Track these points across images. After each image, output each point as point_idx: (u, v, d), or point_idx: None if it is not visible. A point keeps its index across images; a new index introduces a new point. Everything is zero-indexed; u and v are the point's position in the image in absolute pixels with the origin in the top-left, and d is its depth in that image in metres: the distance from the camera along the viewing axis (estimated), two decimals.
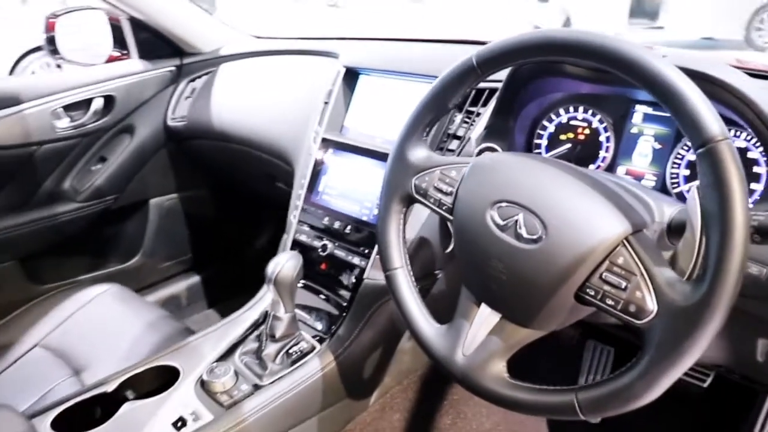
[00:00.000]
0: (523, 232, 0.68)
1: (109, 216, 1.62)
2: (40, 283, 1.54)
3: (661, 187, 0.92)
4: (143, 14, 1.49)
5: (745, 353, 0.82)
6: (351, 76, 1.23)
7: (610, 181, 0.73)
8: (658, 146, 0.93)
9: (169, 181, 1.70)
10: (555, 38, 0.67)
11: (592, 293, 0.64)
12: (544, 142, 1.03)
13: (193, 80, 1.61)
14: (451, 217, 0.77)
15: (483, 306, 0.74)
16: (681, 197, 0.89)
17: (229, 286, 1.81)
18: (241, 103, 1.49)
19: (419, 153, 0.82)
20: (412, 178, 0.82)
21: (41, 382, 1.16)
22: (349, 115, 1.23)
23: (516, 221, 0.69)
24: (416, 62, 1.15)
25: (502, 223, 0.70)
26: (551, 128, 1.03)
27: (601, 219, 0.64)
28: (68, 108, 1.47)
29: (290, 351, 1.03)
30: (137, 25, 1.52)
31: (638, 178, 0.94)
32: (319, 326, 1.11)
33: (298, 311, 1.12)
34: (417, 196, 0.81)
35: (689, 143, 0.88)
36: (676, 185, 0.91)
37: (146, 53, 1.57)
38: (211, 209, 1.83)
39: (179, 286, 1.80)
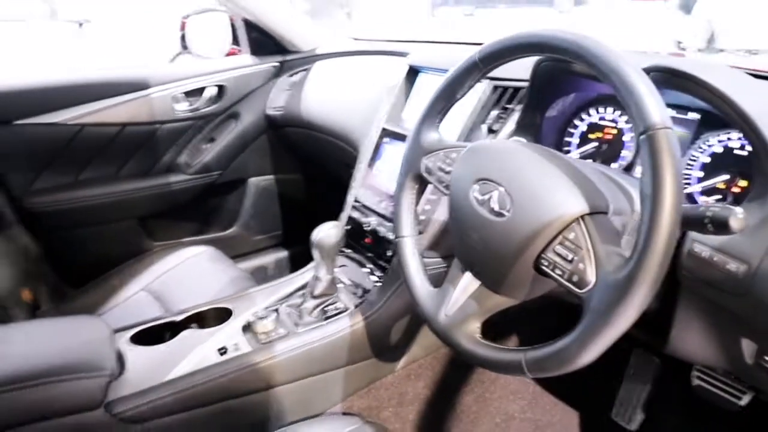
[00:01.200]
0: (495, 206, 0.77)
1: (213, 189, 1.87)
2: (153, 240, 1.83)
3: None
4: (255, 17, 1.72)
5: (734, 354, 0.84)
6: (413, 73, 1.36)
7: (591, 168, 0.80)
8: None
9: (267, 163, 1.93)
10: (535, 37, 0.76)
11: (546, 264, 0.72)
12: (575, 140, 1.10)
13: (291, 75, 1.82)
14: (447, 193, 0.88)
15: (467, 273, 0.84)
16: (691, 199, 0.92)
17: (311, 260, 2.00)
18: (325, 96, 1.68)
19: (431, 137, 0.93)
20: (423, 158, 0.93)
21: (137, 318, 1.40)
22: (407, 109, 1.36)
23: (491, 197, 0.78)
24: None
25: (480, 198, 0.79)
26: (583, 127, 1.09)
27: (563, 198, 0.72)
28: (187, 94, 1.74)
29: (326, 308, 1.17)
30: (249, 25, 1.76)
31: None
32: (358, 292, 1.24)
33: (341, 277, 1.27)
34: (425, 174, 0.93)
35: (703, 145, 0.92)
36: (686, 185, 0.94)
37: (255, 50, 1.81)
38: (302, 192, 2.04)
39: (268, 258, 2.02)
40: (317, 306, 1.17)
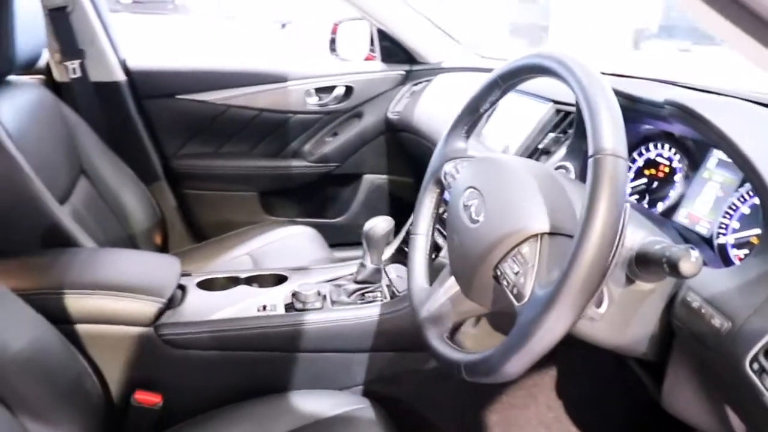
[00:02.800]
0: (473, 213, 0.81)
1: (329, 179, 2.05)
2: (267, 214, 2.06)
3: (710, 236, 0.90)
4: (387, 27, 1.87)
5: (725, 426, 0.79)
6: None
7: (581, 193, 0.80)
8: (720, 194, 0.91)
9: (382, 163, 2.06)
10: (530, 59, 0.80)
11: (499, 273, 0.75)
12: (630, 174, 1.07)
13: (416, 84, 1.94)
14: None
15: (452, 276, 0.89)
16: (723, 250, 0.87)
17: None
18: (439, 107, 1.76)
19: (456, 145, 0.99)
20: (445, 163, 0.99)
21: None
22: (489, 124, 1.40)
23: (472, 204, 0.82)
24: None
25: (465, 204, 0.84)
26: (639, 162, 1.06)
27: (529, 213, 0.75)
28: (318, 90, 1.95)
29: (365, 294, 1.27)
30: (383, 34, 1.91)
31: (694, 223, 0.93)
32: (401, 287, 1.32)
33: (391, 270, 1.35)
34: (442, 178, 0.98)
35: (746, 195, 0.87)
36: (721, 235, 0.88)
37: (386, 57, 1.96)
38: (412, 195, 2.13)
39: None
40: (357, 290, 1.27)
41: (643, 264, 0.70)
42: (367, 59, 2.04)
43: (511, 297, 0.72)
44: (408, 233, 1.06)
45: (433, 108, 1.79)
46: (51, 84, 1.75)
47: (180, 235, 1.96)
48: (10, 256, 1.22)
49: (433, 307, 0.90)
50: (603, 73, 1.21)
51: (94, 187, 1.62)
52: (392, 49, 1.93)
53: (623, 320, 0.75)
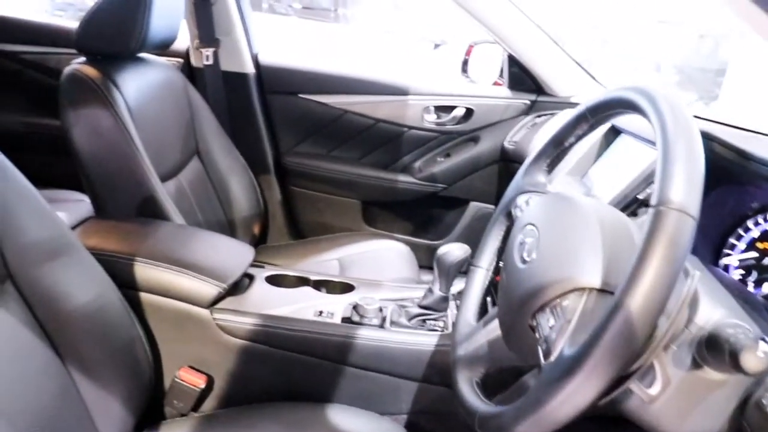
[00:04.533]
0: (525, 252, 0.73)
1: (434, 200, 2.00)
2: (366, 223, 2.05)
3: None
4: (519, 54, 1.78)
5: None
6: (613, 133, 1.27)
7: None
8: None
9: (492, 191, 1.97)
10: (620, 92, 0.70)
11: (535, 324, 0.66)
12: (741, 244, 0.91)
13: (539, 116, 1.83)
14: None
15: (497, 319, 0.80)
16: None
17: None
18: None
19: (535, 178, 0.90)
20: (519, 195, 0.90)
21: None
22: (594, 167, 1.27)
23: (527, 243, 0.73)
24: None
25: (521, 241, 0.75)
26: (754, 232, 0.90)
27: (580, 264, 0.65)
28: (438, 108, 1.91)
29: (426, 321, 1.20)
30: (512, 60, 1.83)
31: None
32: None
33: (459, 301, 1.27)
34: (513, 211, 0.90)
35: None
36: None
37: (513, 84, 1.87)
38: None
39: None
40: (419, 315, 1.20)
41: (712, 348, 0.58)
42: (494, 84, 1.97)
43: (540, 352, 0.62)
44: (471, 264, 0.98)
45: None
46: (187, 67, 1.88)
47: (279, 229, 2.00)
48: (99, 218, 1.30)
49: (470, 348, 0.82)
50: (722, 123, 1.06)
51: (205, 169, 1.70)
52: (520, 77, 1.84)
53: (683, 409, 0.63)
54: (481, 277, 0.93)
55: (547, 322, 0.63)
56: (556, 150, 0.88)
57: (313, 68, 1.92)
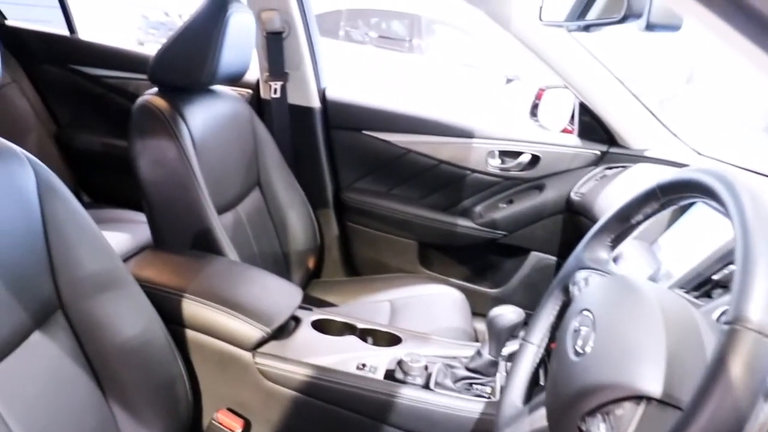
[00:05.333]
0: (579, 343, 0.67)
1: (493, 246, 1.93)
2: (421, 265, 2.00)
3: None
4: (591, 102, 1.71)
5: None
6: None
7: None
8: None
9: (555, 243, 1.89)
10: (695, 177, 0.64)
11: (584, 428, 0.60)
12: None
13: (609, 168, 1.75)
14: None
15: (544, 407, 0.75)
16: None
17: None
18: (626, 198, 1.56)
19: (595, 254, 0.84)
20: (578, 271, 0.84)
21: (363, 316, 1.57)
22: (668, 233, 1.19)
23: (581, 331, 0.68)
24: None
25: (575, 328, 0.70)
26: None
27: (640, 364, 0.59)
28: (503, 153, 1.86)
29: (473, 385, 1.14)
30: (584, 108, 1.76)
31: None
32: None
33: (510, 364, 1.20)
34: (570, 287, 0.84)
35: None
36: None
37: (583, 133, 1.80)
38: None
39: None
40: (465, 378, 1.14)
41: None
42: (563, 131, 1.90)
43: None
44: (523, 339, 0.92)
45: (622, 199, 1.59)
46: (255, 99, 1.91)
47: (334, 264, 1.99)
48: (156, 247, 1.32)
49: None
50: None
51: (265, 200, 1.71)
52: (591, 126, 1.77)
53: None
54: (531, 354, 0.87)
55: (598, 429, 0.57)
56: (621, 226, 0.82)
57: (379, 106, 1.91)
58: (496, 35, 1.70)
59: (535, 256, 1.93)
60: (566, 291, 0.86)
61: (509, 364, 1.20)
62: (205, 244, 1.35)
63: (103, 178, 2.27)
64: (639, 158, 1.71)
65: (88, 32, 2.23)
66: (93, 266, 0.95)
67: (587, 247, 0.85)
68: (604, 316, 0.66)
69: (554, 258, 1.91)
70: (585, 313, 0.69)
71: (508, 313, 1.10)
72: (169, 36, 1.39)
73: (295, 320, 1.25)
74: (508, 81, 5.73)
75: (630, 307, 0.65)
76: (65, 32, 2.22)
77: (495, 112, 2.22)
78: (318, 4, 1.87)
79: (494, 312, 1.11)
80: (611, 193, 1.58)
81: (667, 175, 0.72)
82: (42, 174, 0.90)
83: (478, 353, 1.15)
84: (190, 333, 1.13)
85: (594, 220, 1.61)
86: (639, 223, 0.80)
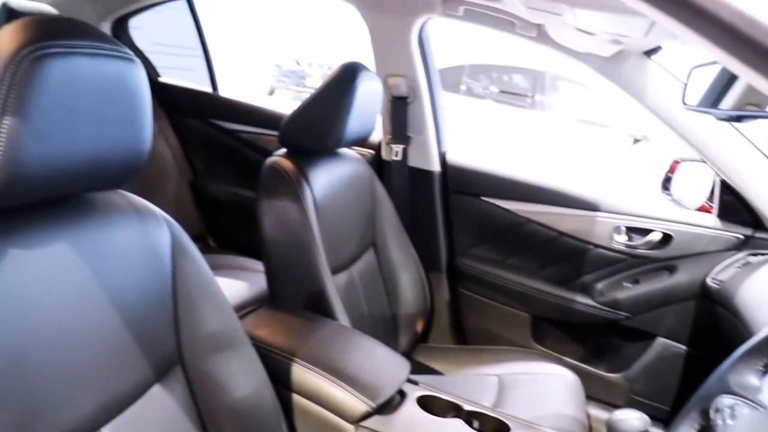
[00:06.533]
0: None
1: (614, 327, 1.80)
2: (534, 341, 1.91)
3: None
4: (734, 180, 1.57)
5: None
6: None
7: None
8: None
9: (685, 331, 1.71)
10: None
11: None
12: None
13: (754, 254, 1.58)
14: None
15: None
16: None
17: None
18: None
19: (743, 378, 0.74)
20: (721, 395, 0.74)
21: (470, 393, 1.50)
22: None
23: None
24: None
25: None
26: None
27: None
28: (630, 229, 1.75)
29: None
30: (726, 186, 1.62)
31: None
32: None
33: None
34: (711, 413, 0.74)
35: None
36: None
37: (723, 213, 1.65)
38: None
39: None
40: None
41: None
42: (700, 209, 1.75)
43: None
44: None
45: None
46: (376, 159, 1.94)
47: (442, 330, 1.94)
48: (269, 305, 1.35)
49: None
50: None
51: (378, 261, 1.71)
52: (734, 206, 1.62)
53: None
54: None
55: None
56: None
57: (499, 172, 1.87)
58: (623, 96, 1.63)
59: (661, 343, 1.77)
60: (706, 415, 0.76)
61: None
62: (318, 305, 1.37)
63: (228, 225, 2.40)
64: None
65: (226, 77, 2.41)
66: (214, 325, 0.97)
67: (734, 368, 0.76)
68: None
69: (684, 347, 1.75)
70: None
71: (632, 419, 1.00)
72: (302, 101, 1.45)
73: (401, 394, 1.21)
74: (636, 141, 5.46)
75: None
76: (208, 89, 2.40)
77: (621, 179, 2.11)
78: (442, 60, 1.88)
79: (617, 416, 1.01)
80: (757, 285, 1.43)
81: None
82: (177, 235, 0.95)
83: None
84: (296, 397, 1.13)
85: (735, 313, 1.46)
86: None
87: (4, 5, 1.89)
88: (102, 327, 0.81)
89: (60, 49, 0.67)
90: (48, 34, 0.67)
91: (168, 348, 0.92)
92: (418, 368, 1.62)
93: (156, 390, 0.90)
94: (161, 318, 0.91)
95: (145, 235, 0.90)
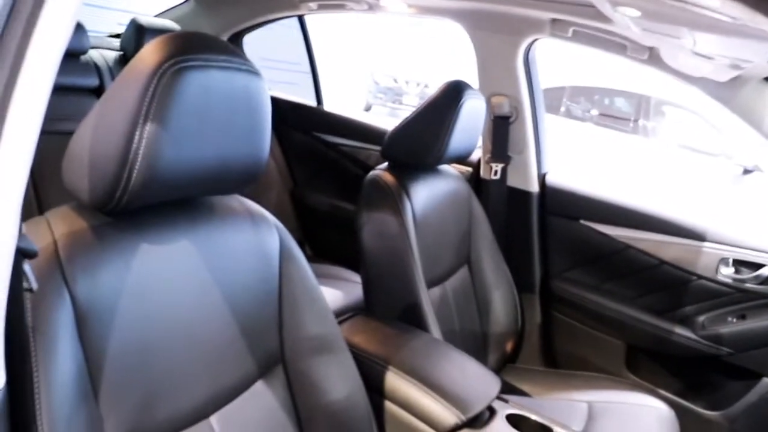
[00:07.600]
0: None
1: (715, 363, 1.71)
2: (628, 370, 1.85)
3: None
4: None
5: None
6: None
7: None
8: None
9: None
10: None
11: None
12: None
13: None
14: None
15: None
16: None
17: None
18: None
19: None
20: None
21: (558, 415, 1.48)
22: None
23: None
24: None
25: None
26: None
27: None
28: (738, 262, 1.67)
29: None
30: None
31: None
32: None
33: None
34: None
35: None
36: None
37: None
38: None
39: None
40: None
41: None
42: None
43: None
44: None
45: None
46: (474, 178, 1.96)
47: (532, 352, 1.93)
48: (365, 313, 1.40)
49: None
50: None
51: (472, 278, 1.73)
52: None
53: None
54: None
55: None
56: None
57: (600, 196, 1.84)
58: (738, 124, 1.56)
59: (767, 384, 1.67)
60: None
61: None
62: (412, 317, 1.40)
63: (326, 235, 2.49)
64: None
65: (325, 92, 2.51)
66: (315, 329, 1.03)
67: None
68: None
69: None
70: None
71: None
72: (405, 117, 1.50)
73: (490, 411, 1.22)
74: (746, 172, 5.13)
75: None
76: (313, 103, 2.52)
77: (730, 210, 2.02)
78: (543, 81, 1.89)
79: None
80: None
81: None
82: (285, 240, 1.01)
83: None
84: (387, 404, 1.17)
85: None
86: None
87: (133, 21, 2.09)
88: (214, 323, 0.88)
89: (197, 63, 0.74)
90: (187, 49, 0.74)
91: (272, 347, 0.98)
92: (506, 388, 1.62)
93: (259, 386, 0.96)
94: (267, 318, 0.96)
95: (258, 239, 0.96)
